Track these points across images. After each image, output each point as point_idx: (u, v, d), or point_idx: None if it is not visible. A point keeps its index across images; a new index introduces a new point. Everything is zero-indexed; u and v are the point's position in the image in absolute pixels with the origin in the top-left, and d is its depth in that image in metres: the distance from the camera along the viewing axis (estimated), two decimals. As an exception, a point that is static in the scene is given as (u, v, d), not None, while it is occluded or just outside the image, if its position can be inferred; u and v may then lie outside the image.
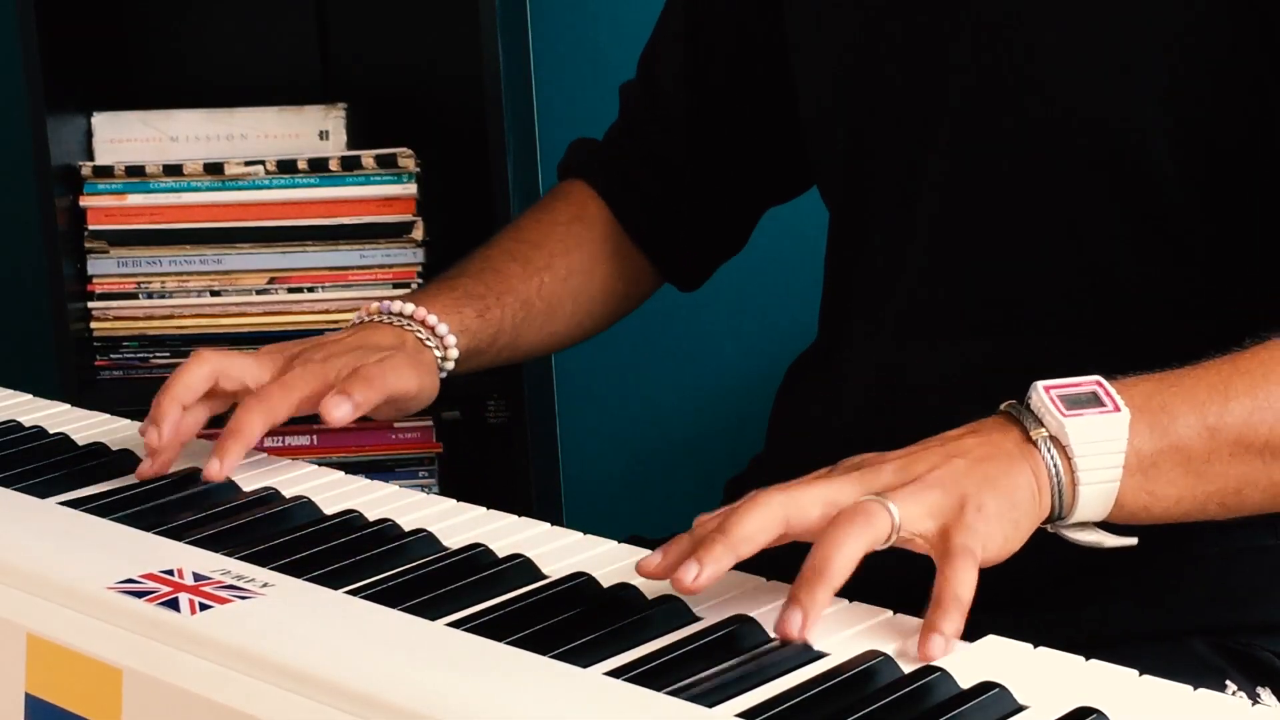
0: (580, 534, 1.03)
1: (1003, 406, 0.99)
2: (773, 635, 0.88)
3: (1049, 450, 0.96)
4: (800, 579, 0.88)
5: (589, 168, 1.45)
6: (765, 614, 0.90)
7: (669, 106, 1.41)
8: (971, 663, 0.84)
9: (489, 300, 1.34)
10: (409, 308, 1.28)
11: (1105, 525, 0.99)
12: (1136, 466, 0.97)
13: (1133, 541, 0.98)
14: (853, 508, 0.91)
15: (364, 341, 1.24)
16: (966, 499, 0.92)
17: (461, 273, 1.37)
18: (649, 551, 0.99)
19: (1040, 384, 0.97)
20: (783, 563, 0.96)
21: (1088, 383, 0.98)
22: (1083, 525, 0.98)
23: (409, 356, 1.24)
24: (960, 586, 0.89)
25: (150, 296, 2.11)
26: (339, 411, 1.16)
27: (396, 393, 1.21)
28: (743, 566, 0.95)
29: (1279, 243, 1.13)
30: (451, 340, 1.28)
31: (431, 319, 1.28)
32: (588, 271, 1.41)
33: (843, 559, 0.88)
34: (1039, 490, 0.95)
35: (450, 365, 1.29)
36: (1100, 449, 0.96)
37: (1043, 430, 0.96)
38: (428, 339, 1.27)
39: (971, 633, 0.88)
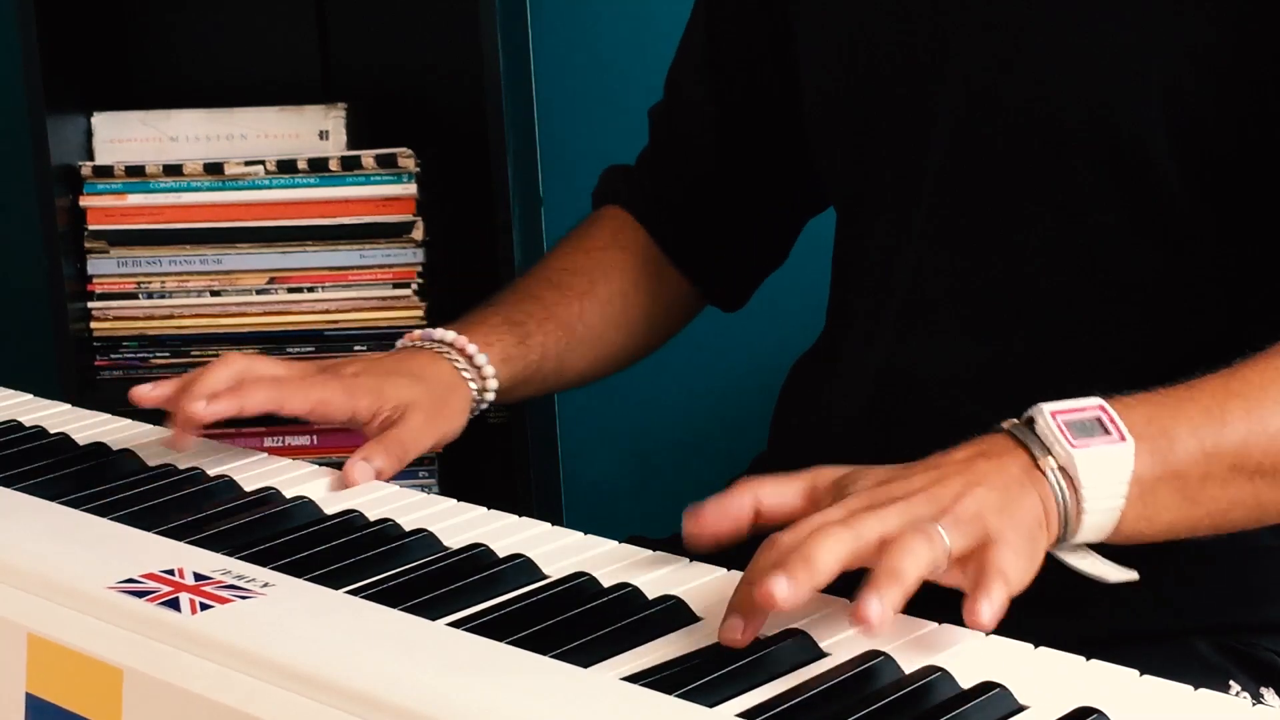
0: (580, 534, 1.03)
1: (1006, 426, 0.98)
2: (772, 634, 0.88)
3: (1057, 481, 0.96)
4: (876, 577, 0.87)
5: (623, 193, 1.43)
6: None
7: (696, 124, 1.40)
8: (971, 663, 0.84)
9: (529, 327, 1.33)
10: (449, 335, 1.27)
11: (1098, 546, 0.99)
12: (1137, 494, 0.97)
13: (1134, 575, 0.98)
14: (916, 527, 0.90)
15: (398, 367, 1.24)
16: (990, 533, 0.92)
17: (501, 301, 1.35)
18: (649, 551, 0.99)
19: (1046, 408, 0.97)
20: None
21: (1091, 407, 0.98)
22: (1078, 549, 0.98)
23: (435, 403, 1.23)
24: (1006, 566, 0.90)
25: (150, 296, 2.11)
26: (360, 476, 1.15)
27: (415, 454, 1.21)
28: (744, 565, 0.95)
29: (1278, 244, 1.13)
30: (490, 372, 1.27)
31: (471, 348, 1.27)
32: (628, 296, 1.39)
33: (913, 565, 0.88)
34: (1046, 517, 0.96)
35: (490, 397, 1.28)
36: (1106, 479, 0.96)
37: (1051, 460, 0.96)
38: (465, 369, 1.26)
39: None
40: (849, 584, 0.93)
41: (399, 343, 1.29)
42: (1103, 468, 0.96)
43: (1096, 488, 0.96)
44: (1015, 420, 0.98)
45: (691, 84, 1.40)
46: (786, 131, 1.36)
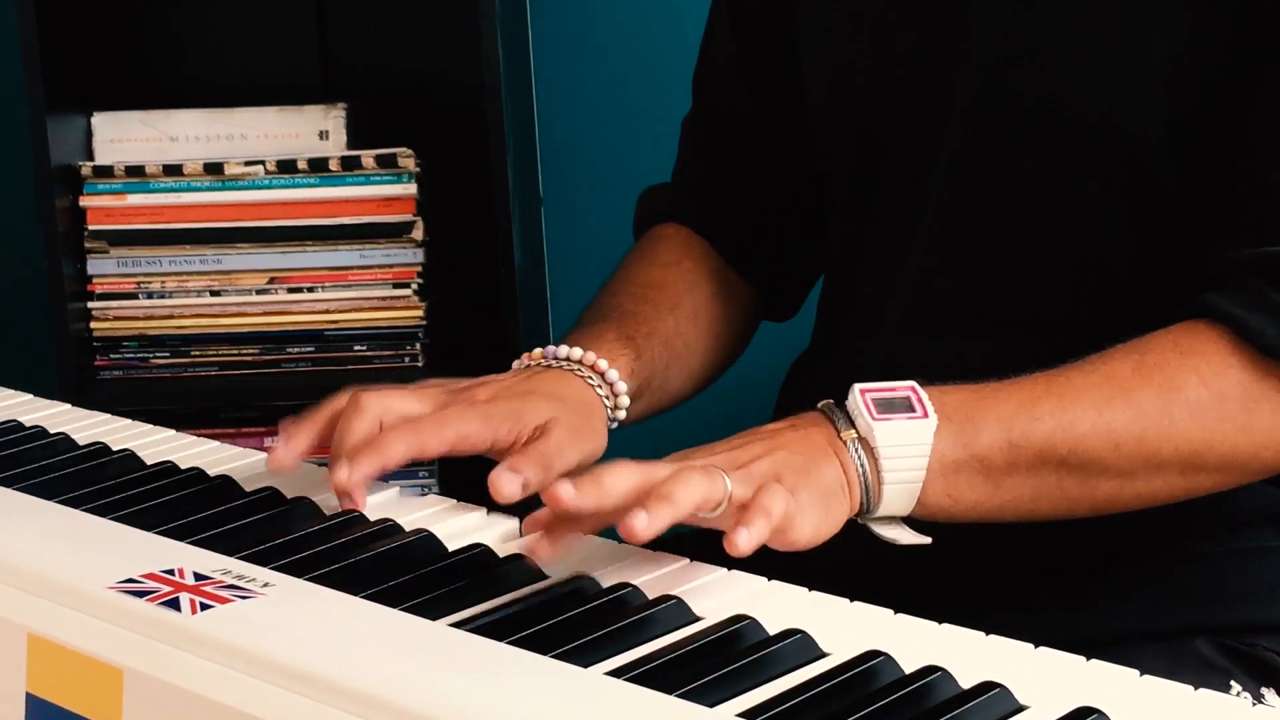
0: (580, 534, 1.03)
1: (820, 405, 1.04)
2: (773, 634, 0.88)
3: (856, 451, 1.01)
4: (652, 496, 0.94)
5: (674, 209, 1.39)
6: (766, 614, 0.90)
7: (736, 128, 1.38)
8: (971, 663, 0.84)
9: (639, 343, 1.25)
10: (576, 352, 1.20)
11: (912, 523, 1.04)
12: (939, 470, 1.02)
13: (926, 540, 1.03)
14: (699, 466, 0.96)
15: (532, 387, 1.16)
16: (781, 483, 0.97)
17: (604, 316, 1.28)
18: (649, 551, 1.00)
19: (857, 386, 1.03)
20: (784, 562, 0.96)
21: (903, 388, 1.04)
22: (889, 520, 1.03)
23: (577, 420, 1.15)
24: (771, 505, 0.94)
25: (150, 296, 2.11)
26: (508, 489, 1.06)
27: (562, 469, 1.10)
28: (744, 566, 0.96)
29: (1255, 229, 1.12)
30: (623, 388, 1.20)
31: (602, 364, 1.20)
32: (709, 308, 1.34)
33: (689, 494, 0.94)
34: (848, 484, 1.01)
35: (622, 415, 1.21)
36: (905, 451, 1.02)
37: (853, 431, 1.02)
38: (599, 386, 1.20)
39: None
40: (850, 584, 0.93)
41: (517, 363, 1.21)
42: (902, 440, 1.02)
43: (895, 459, 1.01)
44: (830, 401, 1.04)
45: (724, 87, 1.38)
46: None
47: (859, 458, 1.02)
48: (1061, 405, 1.04)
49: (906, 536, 1.03)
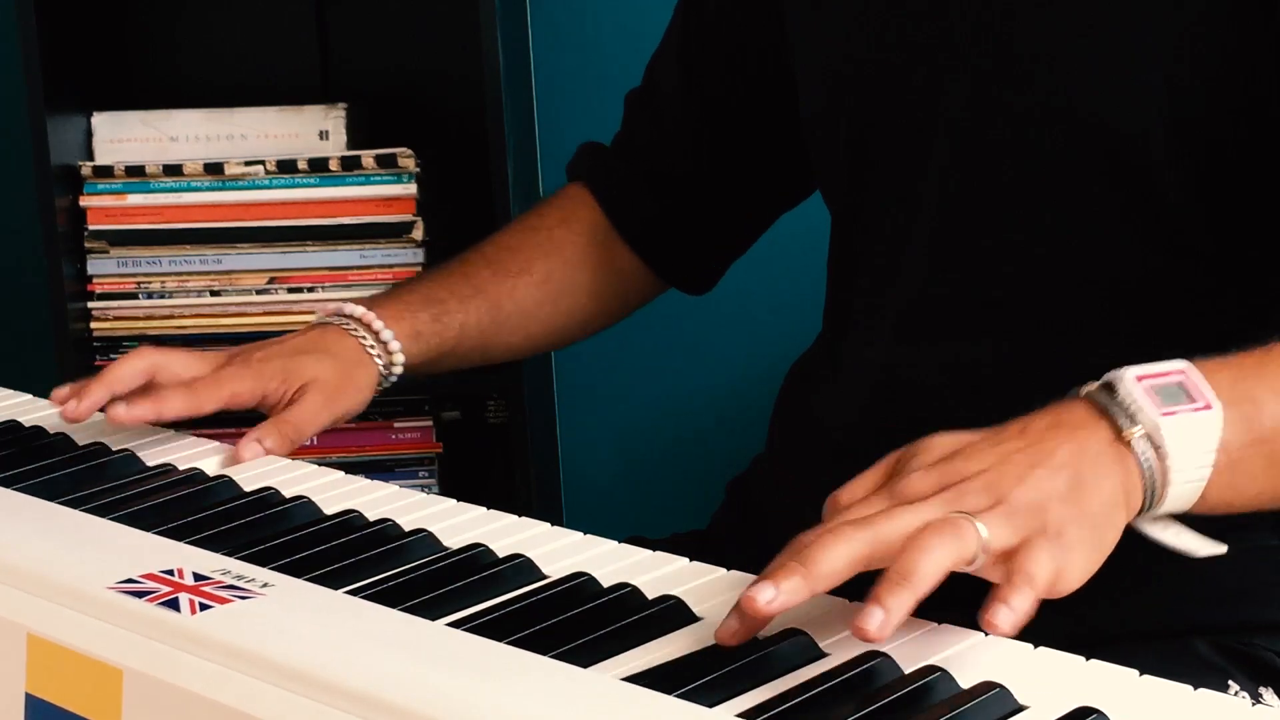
0: (580, 534, 1.03)
1: (1084, 393, 0.95)
2: (773, 634, 0.88)
3: (1145, 450, 0.92)
4: (885, 580, 0.84)
5: (590, 172, 1.45)
6: (765, 614, 0.90)
7: (669, 115, 1.42)
8: (971, 663, 0.84)
9: (450, 304, 1.36)
10: (358, 310, 1.31)
11: (1180, 517, 0.96)
12: (1225, 465, 0.94)
13: (1223, 548, 0.96)
14: (944, 520, 0.86)
15: (307, 345, 1.29)
16: (1047, 526, 0.88)
17: (428, 277, 1.40)
18: (649, 551, 0.99)
19: (1130, 373, 0.93)
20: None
21: (1174, 371, 0.94)
22: (1164, 523, 0.95)
23: (338, 378, 1.27)
24: (1037, 569, 0.86)
25: (150, 296, 2.11)
26: (247, 454, 1.19)
27: (310, 433, 1.25)
28: (745, 566, 0.96)
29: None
30: (396, 346, 1.31)
31: (378, 324, 1.31)
32: (568, 276, 1.42)
33: (931, 566, 0.84)
34: (1130, 490, 0.92)
35: (398, 370, 1.32)
36: (1194, 448, 0.93)
37: (1138, 429, 0.92)
38: (371, 345, 1.30)
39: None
40: (850, 584, 0.93)
41: (315, 317, 1.33)
42: (1190, 438, 0.93)
43: (1184, 457, 0.93)
44: (1094, 384, 0.95)
45: (668, 74, 1.42)
46: (767, 122, 1.37)
47: (1148, 459, 0.92)
48: None
49: (1205, 548, 0.95)
